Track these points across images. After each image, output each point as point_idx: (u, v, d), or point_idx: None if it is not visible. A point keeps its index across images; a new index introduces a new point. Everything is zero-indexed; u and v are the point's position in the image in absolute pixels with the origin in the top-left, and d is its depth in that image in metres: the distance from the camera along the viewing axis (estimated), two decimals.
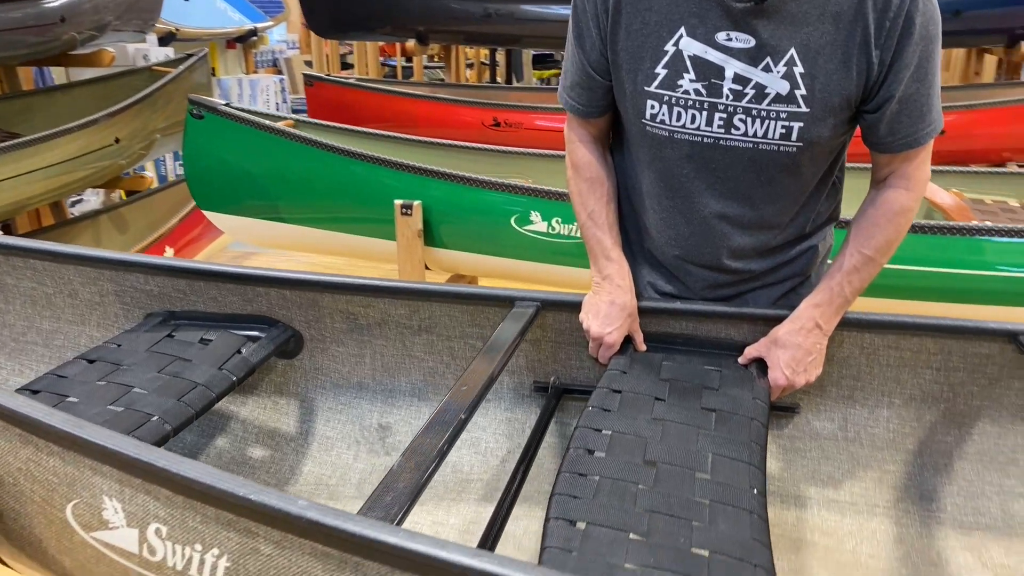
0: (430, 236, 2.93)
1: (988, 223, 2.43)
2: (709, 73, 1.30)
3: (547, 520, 1.10)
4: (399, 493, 1.01)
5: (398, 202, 2.88)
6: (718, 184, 1.40)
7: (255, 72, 8.48)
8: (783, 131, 1.31)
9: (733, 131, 1.33)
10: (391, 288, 1.67)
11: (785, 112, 1.30)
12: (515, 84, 6.94)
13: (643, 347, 1.55)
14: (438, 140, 3.41)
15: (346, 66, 8.15)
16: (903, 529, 1.55)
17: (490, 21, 4.94)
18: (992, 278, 2.39)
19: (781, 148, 1.33)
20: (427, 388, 1.77)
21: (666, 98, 1.34)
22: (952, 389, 1.58)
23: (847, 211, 1.54)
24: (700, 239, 1.47)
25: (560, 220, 2.72)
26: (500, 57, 7.11)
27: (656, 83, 1.34)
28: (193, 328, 1.69)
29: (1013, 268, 2.37)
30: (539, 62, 7.95)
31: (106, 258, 1.69)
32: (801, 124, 1.30)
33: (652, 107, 1.36)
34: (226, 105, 3.20)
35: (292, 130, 3.03)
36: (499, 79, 7.08)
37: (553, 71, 8.41)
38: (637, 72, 1.35)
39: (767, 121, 1.31)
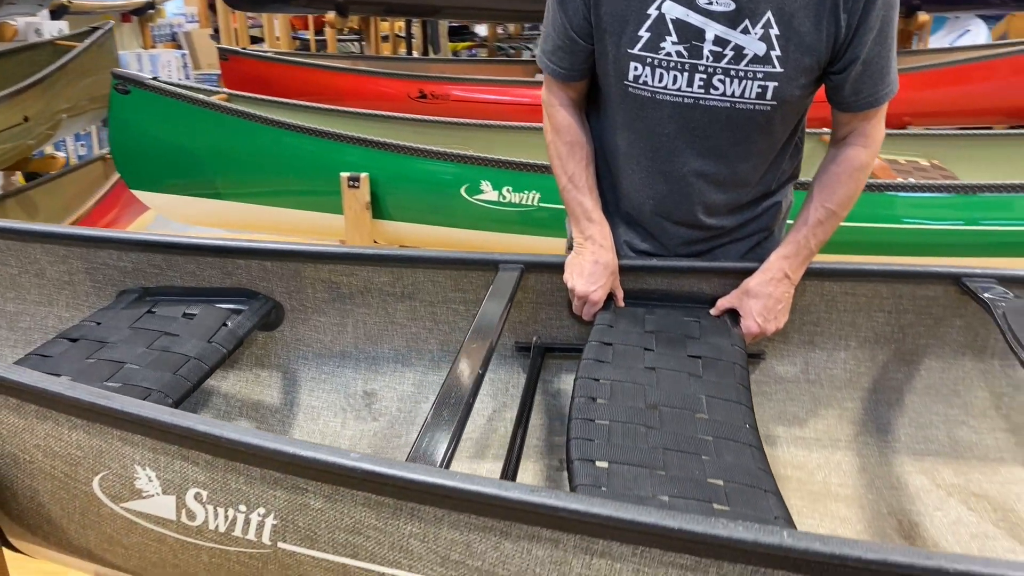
0: (378, 209, 2.93)
1: (912, 180, 2.62)
2: (690, 35, 1.36)
3: (569, 462, 1.15)
4: (440, 441, 1.05)
5: (345, 175, 2.86)
6: (697, 143, 1.48)
7: (153, 47, 8.14)
8: (759, 90, 1.40)
9: (712, 91, 1.41)
10: (375, 255, 1.69)
11: (761, 72, 1.38)
12: (433, 57, 6.89)
13: (622, 304, 1.63)
14: (380, 112, 3.40)
15: (254, 40, 7.90)
16: (864, 459, 1.69)
17: None
18: (920, 231, 2.59)
19: (756, 107, 1.42)
20: (411, 354, 1.80)
21: (649, 60, 1.41)
22: (902, 330, 1.72)
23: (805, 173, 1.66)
24: (678, 197, 1.55)
25: (511, 189, 2.77)
26: (416, 30, 7.04)
27: (639, 46, 1.40)
28: (173, 303, 1.66)
29: (941, 221, 2.58)
30: (455, 34, 7.91)
31: (77, 235, 1.64)
32: (775, 84, 1.39)
33: (635, 69, 1.42)
34: (154, 79, 3.10)
35: (231, 104, 2.96)
36: (415, 52, 7.02)
37: (468, 43, 8.39)
38: (620, 35, 1.40)
39: (744, 81, 1.39)
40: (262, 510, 1.02)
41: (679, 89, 1.42)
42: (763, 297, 1.55)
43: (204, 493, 1.04)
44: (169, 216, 3.32)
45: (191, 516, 1.06)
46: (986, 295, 1.54)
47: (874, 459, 1.69)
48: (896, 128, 4.94)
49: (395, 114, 3.41)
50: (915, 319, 1.71)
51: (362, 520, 0.98)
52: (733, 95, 1.41)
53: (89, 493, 1.10)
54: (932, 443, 1.71)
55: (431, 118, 3.38)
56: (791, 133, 1.54)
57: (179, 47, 8.43)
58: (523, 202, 2.78)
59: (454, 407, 1.13)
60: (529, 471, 1.66)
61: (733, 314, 1.61)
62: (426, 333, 1.79)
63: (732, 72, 1.39)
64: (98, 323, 1.57)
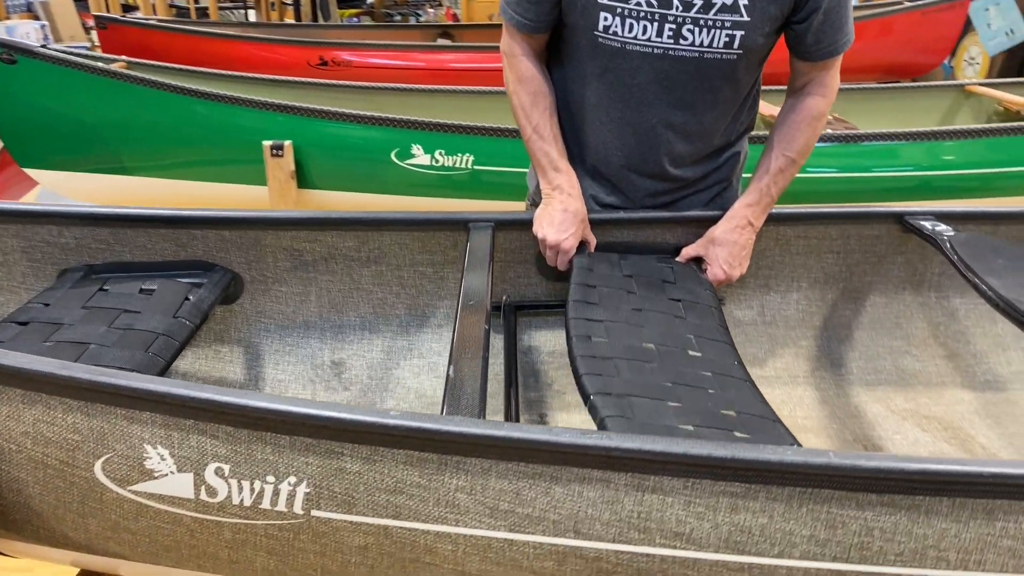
0: (303, 178, 2.83)
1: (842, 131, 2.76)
2: None
3: (587, 397, 1.15)
4: (470, 396, 1.04)
5: (267, 143, 2.74)
6: (666, 93, 1.49)
7: (7, 18, 7.54)
8: (727, 39, 1.42)
9: (681, 41, 1.42)
10: (340, 219, 1.63)
11: (729, 21, 1.41)
12: (324, 23, 6.66)
13: (593, 250, 1.64)
14: (299, 79, 3.26)
15: (127, 8, 7.40)
16: (823, 392, 1.78)
17: None
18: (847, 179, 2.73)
19: (724, 56, 1.44)
20: (377, 320, 1.76)
21: (619, 10, 1.41)
22: (849, 269, 1.82)
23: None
24: (646, 148, 1.57)
25: (444, 152, 2.73)
26: None
27: None
28: (125, 280, 1.55)
29: (845, 170, 2.73)
30: (346, 2, 7.66)
31: (12, 210, 1.51)
32: (742, 32, 1.42)
33: (605, 19, 1.42)
34: (43, 47, 2.86)
35: (135, 73, 2.77)
36: (304, 19, 6.77)
37: (356, 10, 8.15)
38: None
39: (713, 30, 1.41)
40: (293, 479, 0.98)
41: (649, 39, 1.43)
42: (728, 244, 1.59)
43: (226, 467, 0.99)
44: (69, 195, 3.09)
45: (212, 492, 1.00)
46: (932, 231, 1.65)
47: (832, 392, 1.78)
48: None
49: (315, 80, 3.29)
50: (861, 258, 1.81)
51: (404, 479, 0.96)
52: (702, 44, 1.43)
53: (90, 479, 1.03)
54: (881, 373, 1.82)
55: (353, 83, 3.28)
56: (752, 84, 1.59)
57: (36, 18, 7.82)
58: (456, 165, 2.74)
59: (471, 363, 1.12)
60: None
61: (698, 261, 1.66)
62: (393, 298, 1.75)
63: (701, 21, 1.41)
64: (46, 304, 1.45)
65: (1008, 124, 2.81)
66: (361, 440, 0.95)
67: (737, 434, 1.10)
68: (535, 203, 1.78)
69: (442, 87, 3.42)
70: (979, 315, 1.84)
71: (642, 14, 1.40)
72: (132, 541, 1.07)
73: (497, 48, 5.03)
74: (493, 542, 0.97)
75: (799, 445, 1.11)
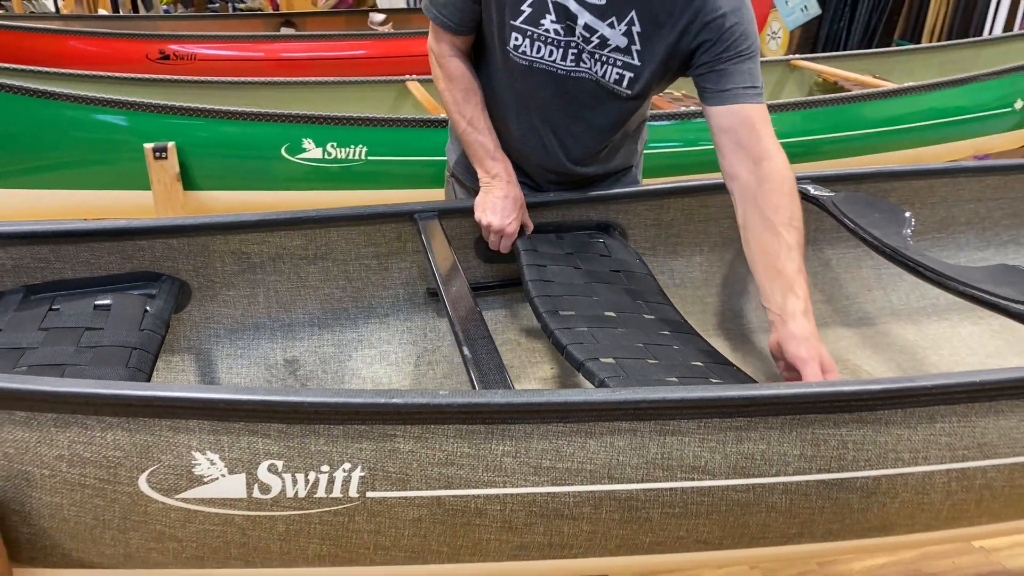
0: (189, 180, 2.75)
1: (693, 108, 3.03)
2: (567, 17, 1.50)
3: (580, 364, 1.28)
4: (495, 370, 1.14)
5: (149, 145, 2.64)
6: (567, 107, 1.62)
7: None
8: (617, 76, 1.55)
9: (581, 65, 1.56)
10: (290, 219, 1.66)
11: (621, 61, 1.54)
12: (149, 13, 6.28)
13: (530, 232, 1.77)
14: (180, 78, 3.13)
15: None
16: (732, 341, 2.02)
17: None
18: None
19: (616, 90, 1.57)
20: (326, 316, 1.80)
21: (529, 32, 1.53)
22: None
23: None
24: (551, 149, 1.70)
25: (336, 144, 2.75)
26: None
27: (521, 19, 1.51)
28: (73, 298, 1.50)
29: None
30: None
31: None
32: (631, 75, 1.54)
33: (516, 39, 1.54)
34: None
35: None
36: (122, 9, 6.34)
37: None
38: (505, 6, 1.51)
39: (606, 65, 1.55)
40: (347, 465, 1.04)
41: (554, 61, 1.55)
42: (808, 346, 1.30)
43: (279, 463, 1.04)
44: None
45: (265, 489, 1.05)
46: (812, 193, 1.91)
47: (739, 339, 2.02)
48: None
49: (198, 78, 3.17)
50: None
51: (454, 451, 1.05)
52: (597, 73, 1.56)
53: (134, 493, 1.04)
54: None
55: (254, 79, 3.19)
56: (648, 99, 1.70)
57: None
58: (349, 157, 2.77)
59: (482, 341, 1.22)
60: None
61: (619, 230, 1.83)
62: (340, 292, 1.79)
63: (597, 55, 1.53)
64: None
65: (843, 95, 3.22)
66: (413, 421, 1.03)
67: (712, 380, 1.28)
68: (454, 175, 1.88)
69: (313, 79, 3.40)
70: (847, 262, 2.15)
71: (549, 39, 1.53)
72: (176, 549, 1.09)
73: (341, 36, 5.01)
74: (537, 497, 1.08)
75: (755, 382, 1.30)
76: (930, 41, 5.74)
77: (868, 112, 3.33)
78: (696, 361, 1.35)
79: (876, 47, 6.16)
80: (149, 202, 2.73)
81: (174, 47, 4.56)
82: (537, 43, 1.53)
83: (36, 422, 1.00)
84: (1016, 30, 5.06)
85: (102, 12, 6.64)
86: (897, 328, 2.09)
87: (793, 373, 1.30)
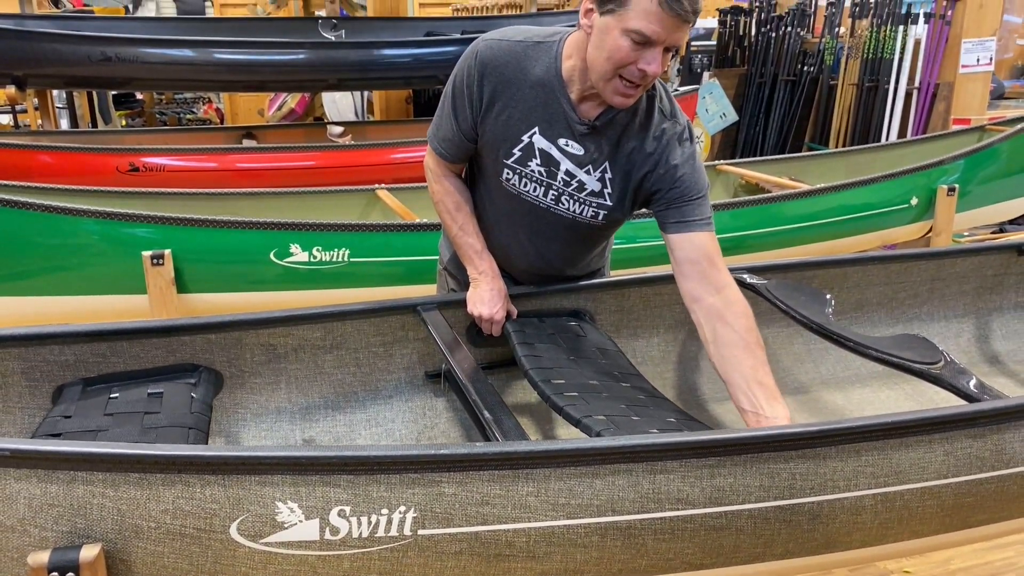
0: (182, 283, 2.97)
1: None
2: (550, 163, 1.80)
3: (577, 421, 1.55)
4: (515, 427, 1.40)
5: (147, 253, 2.86)
6: (547, 231, 1.93)
7: None
8: (593, 214, 1.85)
9: (560, 205, 1.87)
10: (311, 315, 1.91)
11: (596, 202, 1.83)
12: (107, 128, 6.53)
13: (515, 317, 2.05)
14: (171, 190, 3.38)
15: None
16: (689, 411, 2.31)
17: (109, 64, 4.74)
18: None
19: (591, 223, 1.89)
20: (339, 399, 2.03)
21: (518, 170, 1.85)
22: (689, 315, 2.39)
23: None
24: (531, 258, 2.01)
25: (321, 248, 3.02)
26: (81, 100, 6.60)
27: (513, 159, 1.83)
28: (126, 388, 1.71)
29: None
30: (120, 104, 7.51)
31: (13, 335, 1.62)
32: (605, 211, 1.84)
33: (507, 174, 1.86)
34: None
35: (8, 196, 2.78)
36: (83, 124, 6.58)
37: (127, 111, 8.00)
38: (500, 147, 1.83)
39: (583, 205, 1.84)
40: (403, 508, 1.28)
41: (537, 197, 1.86)
42: None
43: (347, 508, 1.27)
44: None
45: (334, 532, 1.27)
46: (749, 281, 2.26)
47: (694, 410, 2.32)
48: None
49: (182, 191, 3.42)
50: None
51: (489, 492, 1.30)
52: (574, 212, 1.85)
53: (226, 539, 1.25)
54: (724, 391, 2.37)
55: (237, 191, 3.46)
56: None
57: None
58: (333, 259, 3.04)
59: (499, 405, 1.49)
60: None
61: (589, 315, 2.14)
62: (351, 378, 2.04)
63: (575, 197, 1.83)
64: (67, 416, 1.59)
65: (766, 195, 3.67)
66: (456, 468, 1.28)
67: (684, 431, 1.57)
68: (447, 269, 2.17)
69: (288, 189, 3.70)
70: (782, 340, 2.49)
71: (535, 178, 1.84)
72: None
73: (299, 148, 5.32)
74: (556, 529, 1.33)
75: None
76: (836, 143, 6.41)
77: (787, 210, 3.79)
78: (670, 418, 1.64)
79: (789, 149, 6.82)
80: (144, 305, 2.93)
81: (144, 159, 4.81)
82: (524, 179, 1.85)
83: (147, 482, 1.22)
84: (908, 137, 5.73)
85: (64, 128, 6.87)
86: (827, 395, 2.43)
87: None
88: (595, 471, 1.33)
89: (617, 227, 2.00)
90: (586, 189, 1.82)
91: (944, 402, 2.21)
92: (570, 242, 1.96)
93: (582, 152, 1.79)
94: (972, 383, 1.64)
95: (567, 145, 1.79)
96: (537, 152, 1.81)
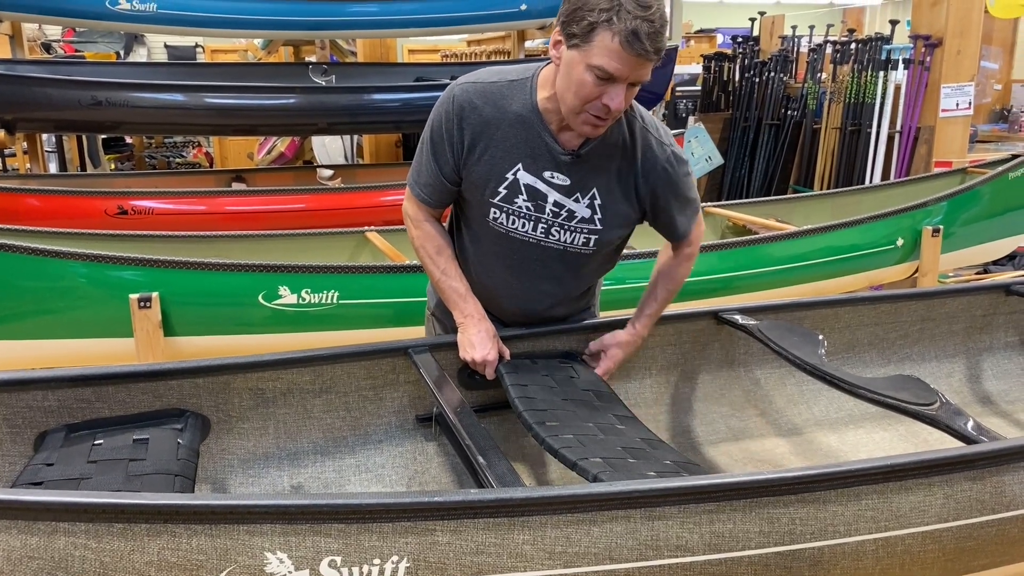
0: (169, 327, 2.93)
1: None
2: (537, 197, 1.81)
3: (573, 464, 1.53)
4: (508, 474, 1.38)
5: (134, 296, 2.83)
6: (535, 269, 1.93)
7: None
8: (584, 240, 1.87)
9: (550, 237, 1.87)
10: (301, 358, 1.88)
11: (586, 228, 1.85)
12: (96, 171, 6.52)
13: (508, 358, 2.01)
14: (150, 232, 3.35)
15: None
16: (684, 454, 2.29)
17: (100, 108, 4.75)
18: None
19: (582, 251, 1.90)
20: (328, 444, 2.00)
21: (505, 208, 1.85)
22: (683, 356, 2.38)
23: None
24: (520, 301, 2.00)
25: (309, 290, 3.00)
26: (70, 143, 6.60)
27: (499, 198, 1.83)
28: (111, 434, 1.67)
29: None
30: (109, 147, 7.52)
31: None
32: (596, 236, 1.86)
33: (494, 213, 1.86)
34: None
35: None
36: (72, 167, 6.57)
37: (116, 154, 8.00)
38: (484, 188, 1.83)
39: (574, 233, 1.86)
40: (395, 557, 1.25)
41: (526, 232, 1.86)
42: (626, 346, 2.06)
43: (338, 559, 1.23)
44: None
45: None
46: (741, 322, 2.25)
47: (688, 452, 2.30)
48: None
49: (176, 233, 3.40)
50: (690, 347, 2.39)
51: (484, 541, 1.27)
52: (565, 242, 1.86)
53: None
54: (718, 433, 2.37)
55: (226, 233, 3.45)
56: (608, 260, 2.06)
57: None
58: (322, 301, 3.02)
59: (493, 451, 1.46)
60: None
61: (580, 356, 2.12)
62: (340, 422, 2.00)
63: (566, 226, 1.85)
64: (49, 464, 1.55)
65: (759, 235, 3.69)
66: (450, 516, 1.25)
67: (683, 474, 1.54)
68: (434, 314, 2.15)
69: (276, 231, 3.69)
70: (774, 381, 2.48)
71: (522, 214, 1.85)
72: None
73: (289, 191, 5.33)
74: None
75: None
76: (820, 186, 6.49)
77: (775, 251, 3.81)
78: (667, 460, 1.62)
79: (775, 192, 6.90)
80: (130, 349, 2.89)
81: (132, 203, 4.80)
82: (512, 216, 1.84)
83: (131, 532, 1.18)
84: (891, 179, 5.81)
85: (52, 172, 6.86)
86: (821, 436, 2.41)
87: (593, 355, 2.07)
88: (592, 518, 1.30)
89: (608, 256, 2.00)
90: (576, 217, 1.84)
91: (938, 443, 2.20)
92: (559, 278, 1.95)
93: (569, 182, 1.81)
94: (969, 425, 1.63)
95: (552, 177, 1.81)
96: (523, 188, 1.81)
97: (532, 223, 1.85)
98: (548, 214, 1.83)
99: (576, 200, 1.83)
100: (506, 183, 1.81)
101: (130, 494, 1.18)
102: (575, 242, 1.87)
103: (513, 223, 1.85)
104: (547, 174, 1.81)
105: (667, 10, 1.57)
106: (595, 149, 1.80)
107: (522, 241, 1.87)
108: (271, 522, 1.21)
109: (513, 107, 1.78)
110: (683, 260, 2.02)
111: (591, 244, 1.88)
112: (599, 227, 1.86)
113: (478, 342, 1.93)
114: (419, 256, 2.00)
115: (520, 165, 1.80)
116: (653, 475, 1.50)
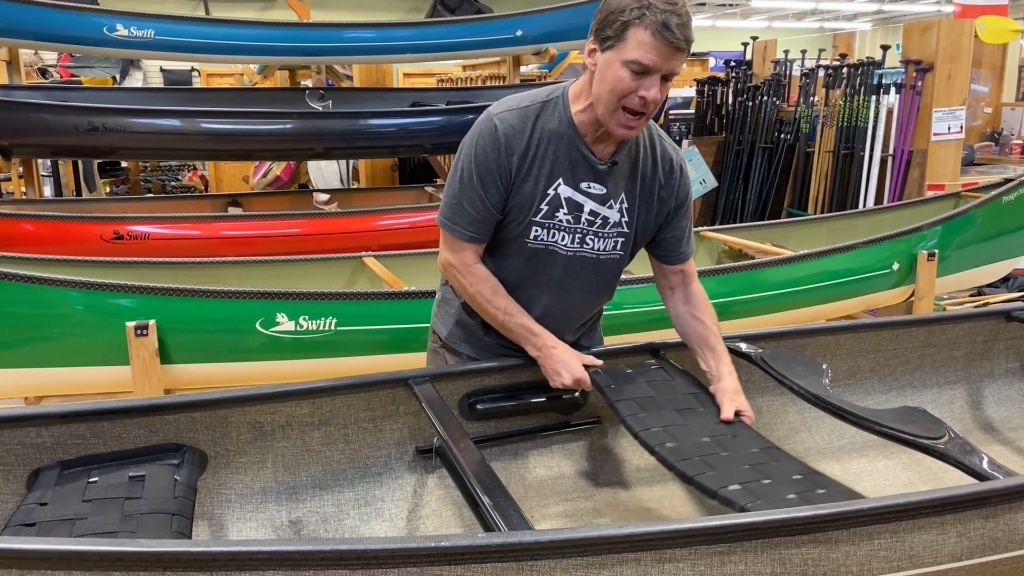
0: (166, 354, 2.90)
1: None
2: (575, 208, 1.88)
3: (713, 494, 1.53)
4: (519, 516, 1.35)
5: (131, 324, 2.80)
6: (572, 281, 1.97)
7: None
8: (614, 244, 1.95)
9: (585, 246, 1.93)
10: (300, 390, 1.86)
11: (616, 232, 1.94)
12: (91, 196, 6.50)
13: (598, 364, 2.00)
14: (149, 260, 3.33)
15: None
16: (688, 487, 2.26)
17: (97, 133, 4.74)
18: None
19: (611, 256, 1.96)
20: (327, 477, 1.96)
21: (546, 224, 1.89)
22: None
23: None
24: (550, 318, 2.00)
25: (307, 317, 2.97)
26: (65, 168, 6.59)
27: (541, 215, 1.88)
28: (106, 471, 1.64)
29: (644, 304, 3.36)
30: (105, 172, 7.50)
31: None
32: (623, 240, 1.96)
33: (536, 231, 1.90)
34: None
35: None
36: (68, 191, 6.55)
37: (112, 179, 7.98)
38: (529, 208, 1.87)
39: (606, 239, 1.94)
40: None
41: (566, 245, 1.92)
42: (740, 389, 1.98)
43: None
44: None
45: None
46: (744, 350, 2.23)
47: (688, 487, 2.27)
48: None
49: (172, 260, 3.38)
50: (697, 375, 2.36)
51: None
52: (598, 249, 1.94)
53: None
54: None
55: (223, 259, 3.42)
56: (618, 276, 2.09)
57: None
58: (320, 328, 2.99)
59: (499, 489, 1.43)
60: None
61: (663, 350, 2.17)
62: (339, 455, 1.97)
63: (600, 233, 1.93)
64: (42, 504, 1.51)
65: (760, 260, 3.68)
66: (457, 561, 1.22)
67: (818, 491, 1.51)
68: (446, 346, 2.13)
69: (273, 257, 3.66)
70: (776, 409, 2.46)
71: (562, 227, 1.90)
72: None
73: (285, 216, 5.30)
74: None
75: (862, 496, 1.51)
76: (814, 208, 6.50)
77: (772, 276, 3.80)
78: (796, 475, 1.59)
79: (768, 215, 6.91)
80: (126, 376, 2.85)
81: (128, 227, 4.77)
82: (552, 231, 1.90)
83: None
84: (885, 202, 5.83)
85: (47, 196, 6.83)
86: (825, 465, 2.38)
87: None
88: (602, 561, 1.27)
89: (628, 260, 2.04)
90: (609, 223, 1.92)
91: (942, 471, 2.18)
92: (589, 289, 2.00)
93: (604, 191, 1.89)
94: (982, 461, 1.61)
95: (589, 187, 1.88)
96: (563, 201, 1.87)
97: (570, 235, 1.91)
98: (584, 223, 1.90)
99: (609, 207, 1.91)
100: (548, 198, 1.87)
101: (127, 541, 1.15)
102: (607, 248, 1.94)
103: (553, 237, 1.90)
104: (584, 185, 1.88)
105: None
106: (625, 156, 1.89)
107: (559, 254, 1.92)
108: (274, 568, 1.18)
109: (550, 125, 1.85)
110: (692, 282, 2.09)
111: (618, 247, 1.95)
112: (627, 230, 1.94)
113: (566, 364, 1.92)
114: (474, 302, 1.98)
115: (561, 180, 1.86)
116: (794, 498, 1.48)
